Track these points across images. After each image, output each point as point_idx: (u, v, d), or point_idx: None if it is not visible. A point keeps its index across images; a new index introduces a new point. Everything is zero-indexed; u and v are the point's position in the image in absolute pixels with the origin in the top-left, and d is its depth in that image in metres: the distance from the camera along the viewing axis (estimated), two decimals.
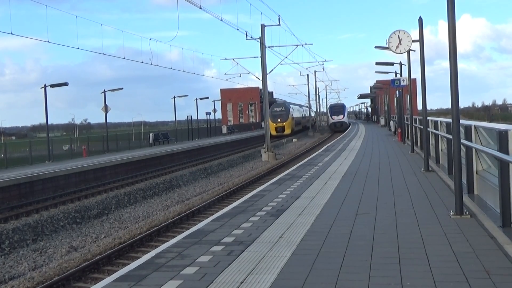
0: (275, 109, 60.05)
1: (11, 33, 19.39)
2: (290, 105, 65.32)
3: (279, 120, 59.21)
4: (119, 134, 43.85)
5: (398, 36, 16.21)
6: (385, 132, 41.18)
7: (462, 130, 8.85)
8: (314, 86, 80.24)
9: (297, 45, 38.77)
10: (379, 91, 64.25)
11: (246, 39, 33.07)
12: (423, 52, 14.14)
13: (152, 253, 6.49)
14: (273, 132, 56.03)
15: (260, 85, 38.26)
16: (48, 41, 21.90)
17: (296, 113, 68.14)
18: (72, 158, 31.40)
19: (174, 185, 23.72)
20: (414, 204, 8.95)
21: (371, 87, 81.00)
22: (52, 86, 31.41)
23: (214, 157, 36.24)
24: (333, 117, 69.44)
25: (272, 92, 70.02)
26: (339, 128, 65.60)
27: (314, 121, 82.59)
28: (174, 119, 55.18)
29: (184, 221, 15.41)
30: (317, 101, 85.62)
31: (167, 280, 5.27)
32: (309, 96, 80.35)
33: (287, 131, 59.82)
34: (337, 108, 70.61)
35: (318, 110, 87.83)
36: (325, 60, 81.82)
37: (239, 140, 49.87)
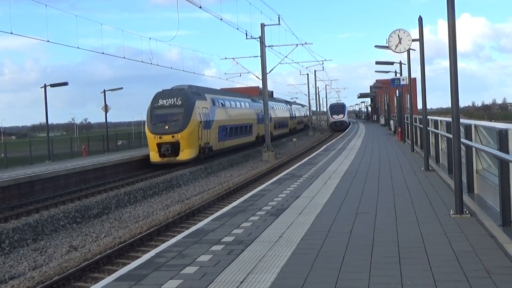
0: (160, 102, 29.07)
1: (11, 33, 19.37)
2: (206, 95, 32.05)
3: (166, 127, 28.14)
4: (119, 134, 43.86)
5: (398, 35, 16.20)
6: (385, 131, 41.18)
7: (462, 129, 8.85)
8: (314, 86, 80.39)
9: (297, 45, 38.86)
10: (379, 90, 64.22)
11: (246, 38, 33.14)
12: (423, 51, 14.14)
13: (152, 252, 6.49)
14: (154, 157, 28.12)
15: (260, 84, 38.27)
16: (48, 41, 21.82)
17: (222, 112, 34.09)
18: (72, 158, 31.42)
19: (174, 184, 23.71)
20: (414, 203, 8.95)
21: (371, 87, 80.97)
22: (52, 85, 31.43)
23: (214, 156, 36.18)
24: (333, 116, 69.55)
25: (272, 92, 68.12)
26: (339, 127, 65.64)
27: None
28: None
29: (184, 220, 15.41)
30: (317, 100, 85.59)
31: (167, 280, 5.27)
32: (309, 96, 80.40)
33: (185, 154, 27.94)
34: (337, 108, 70.72)
35: (318, 110, 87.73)
36: (325, 60, 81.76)
37: None
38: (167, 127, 28.10)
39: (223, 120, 33.69)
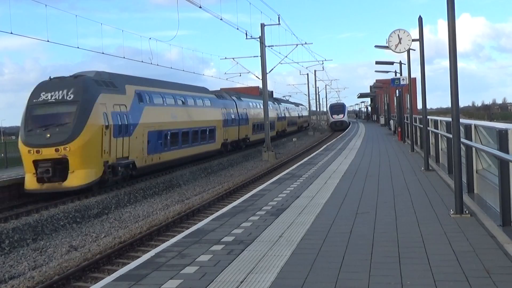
0: (42, 96, 19.15)
1: (11, 33, 19.31)
2: (126, 86, 22.04)
3: (48, 136, 18.29)
4: None
5: (398, 35, 16.21)
6: (385, 131, 41.18)
7: (462, 129, 8.86)
8: (314, 86, 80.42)
9: (297, 44, 38.91)
10: (379, 90, 64.19)
11: (246, 38, 33.22)
12: (423, 51, 14.14)
13: (152, 252, 6.49)
14: (29, 183, 18.36)
15: (260, 84, 38.30)
16: (48, 41, 21.74)
17: (156, 112, 23.91)
18: None
19: (174, 184, 23.70)
20: (414, 203, 8.95)
21: (371, 86, 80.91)
22: None
23: (214, 156, 36.20)
24: (333, 116, 69.66)
25: (272, 92, 67.36)
26: (339, 127, 65.72)
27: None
28: None
29: (184, 220, 15.41)
30: (317, 100, 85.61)
31: (167, 280, 5.27)
32: (308, 96, 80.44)
33: (76, 177, 18.35)
34: (337, 107, 70.87)
35: (318, 109, 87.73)
36: (325, 59, 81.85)
37: None
38: (48, 135, 18.40)
39: (157, 123, 23.72)
